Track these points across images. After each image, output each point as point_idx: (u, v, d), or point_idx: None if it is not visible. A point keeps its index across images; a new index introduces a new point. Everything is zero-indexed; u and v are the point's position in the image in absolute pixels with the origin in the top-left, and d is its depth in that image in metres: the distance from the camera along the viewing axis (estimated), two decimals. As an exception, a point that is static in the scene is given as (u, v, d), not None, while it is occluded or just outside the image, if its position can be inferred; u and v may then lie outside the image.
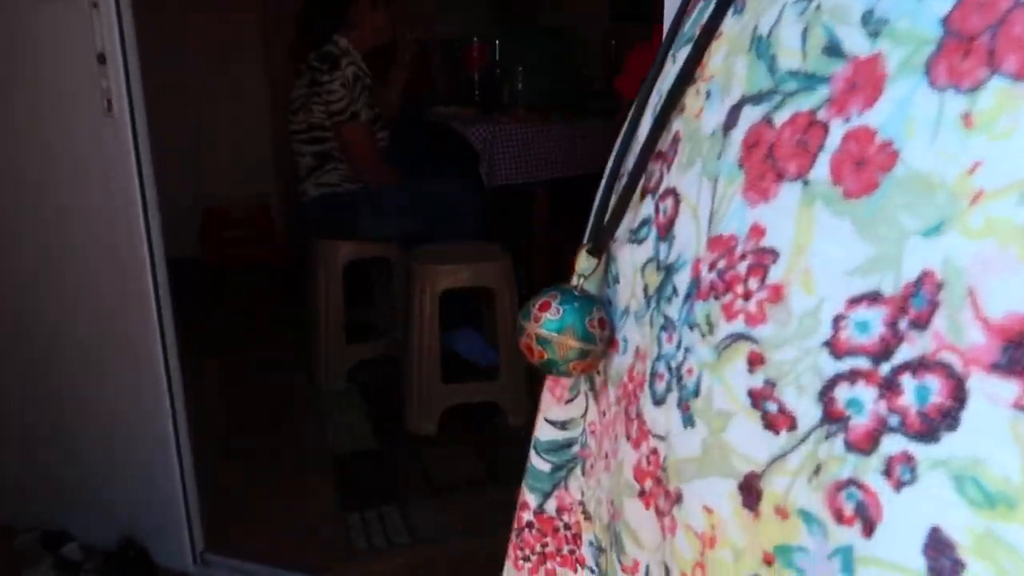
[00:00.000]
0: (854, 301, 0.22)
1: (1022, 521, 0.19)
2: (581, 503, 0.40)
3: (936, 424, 0.20)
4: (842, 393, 0.22)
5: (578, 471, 0.39)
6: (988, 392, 0.20)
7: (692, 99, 0.31)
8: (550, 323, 0.32)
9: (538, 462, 0.41)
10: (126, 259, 1.63)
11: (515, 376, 2.37)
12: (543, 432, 0.41)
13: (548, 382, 0.40)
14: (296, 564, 1.81)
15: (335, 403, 2.57)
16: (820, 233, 0.23)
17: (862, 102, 0.23)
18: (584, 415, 0.38)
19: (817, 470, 0.23)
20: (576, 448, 0.39)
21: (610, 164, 0.37)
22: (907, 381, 0.21)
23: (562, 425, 0.39)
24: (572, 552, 0.41)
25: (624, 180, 0.34)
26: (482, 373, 2.45)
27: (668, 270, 0.30)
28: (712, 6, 0.31)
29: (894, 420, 0.21)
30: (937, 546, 0.20)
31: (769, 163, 0.25)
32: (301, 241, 2.86)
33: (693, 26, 0.33)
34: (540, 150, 2.79)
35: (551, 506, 0.42)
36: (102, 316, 1.70)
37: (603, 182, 0.36)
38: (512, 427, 2.37)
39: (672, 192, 0.31)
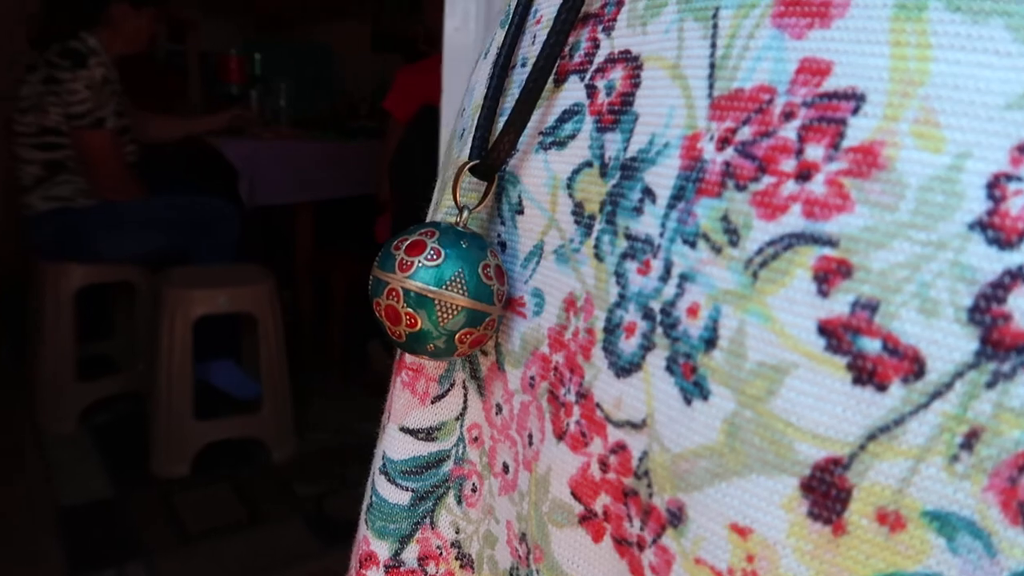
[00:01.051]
0: None
1: None
2: (456, 544, 0.28)
3: None
4: (1019, 303, 0.14)
5: (451, 499, 0.28)
6: None
7: None
8: (426, 272, 0.22)
9: (390, 492, 0.29)
10: None
11: (279, 408, 2.21)
12: (397, 448, 0.29)
13: (403, 374, 0.29)
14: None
15: (64, 449, 2.23)
16: (943, 49, 0.15)
17: None
18: (461, 416, 0.27)
19: (970, 441, 0.14)
20: (449, 466, 0.28)
21: (494, 52, 0.26)
22: None
23: (427, 434, 0.28)
24: None
25: (526, 67, 0.24)
26: (241, 406, 2.26)
27: (628, 168, 0.20)
28: None
29: None
30: None
31: None
32: (20, 262, 2.48)
33: None
34: (304, 169, 2.66)
35: (411, 555, 0.29)
36: None
37: (487, 77, 0.26)
38: (277, 464, 2.21)
39: (624, 57, 0.21)
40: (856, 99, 0.16)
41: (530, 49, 0.24)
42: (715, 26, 0.19)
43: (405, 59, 2.71)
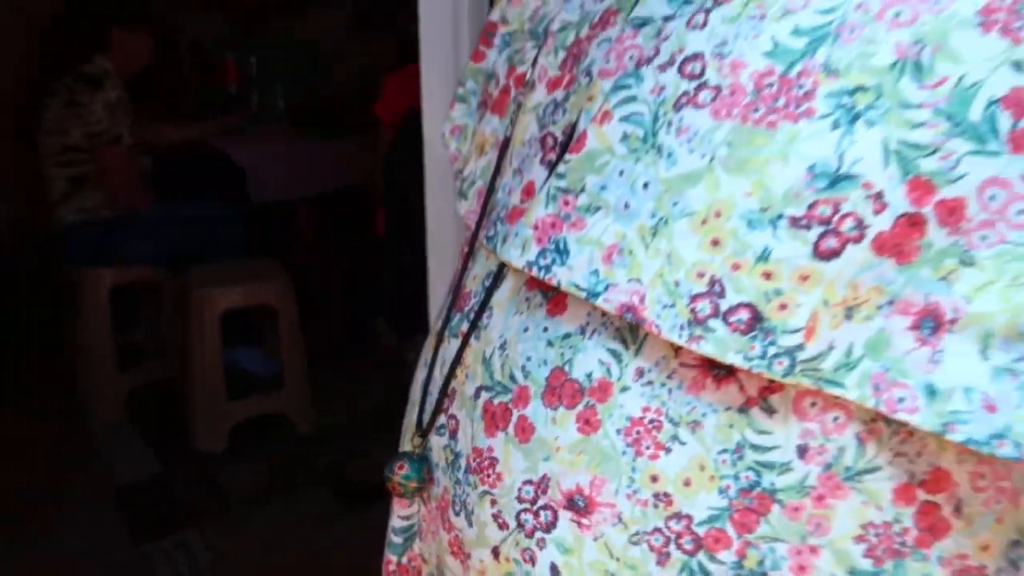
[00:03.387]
0: None
1: None
2: (420, 555, 0.54)
3: None
4: None
5: (417, 539, 0.54)
6: None
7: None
8: (405, 475, 0.49)
9: (394, 538, 0.55)
10: None
11: (299, 386, 2.48)
12: (396, 523, 0.54)
13: (396, 499, 0.56)
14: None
15: (113, 434, 2.51)
16: None
17: None
18: (418, 512, 0.54)
19: None
20: (415, 527, 0.54)
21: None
22: None
23: (407, 518, 0.54)
24: None
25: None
26: (266, 386, 2.53)
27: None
28: None
29: None
30: None
31: None
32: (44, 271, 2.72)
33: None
34: (305, 165, 2.88)
35: (405, 559, 0.55)
36: None
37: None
38: (300, 434, 2.49)
39: None
40: None
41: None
42: None
43: (398, 43, 2.81)
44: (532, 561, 0.40)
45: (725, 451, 0.35)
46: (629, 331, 0.37)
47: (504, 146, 0.46)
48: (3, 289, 3.18)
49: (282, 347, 2.45)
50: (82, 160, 2.41)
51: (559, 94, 0.42)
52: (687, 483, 0.35)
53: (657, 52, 0.35)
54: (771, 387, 0.34)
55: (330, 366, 2.75)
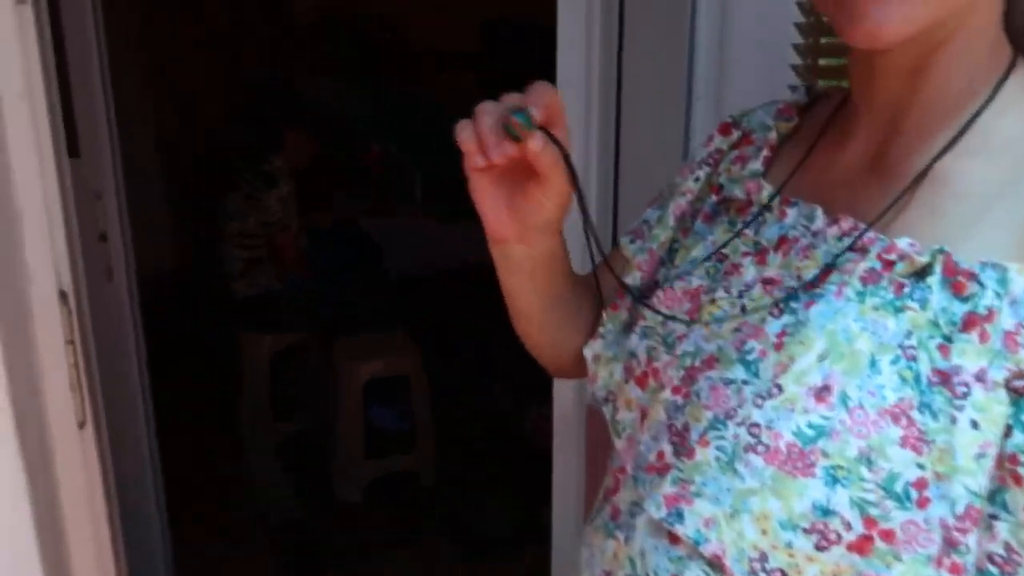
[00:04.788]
0: None
1: None
2: None
3: None
4: None
5: None
6: None
7: None
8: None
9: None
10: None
11: (427, 446, 2.82)
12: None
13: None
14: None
15: (263, 478, 2.91)
16: None
17: None
18: None
19: None
20: None
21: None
22: None
23: None
24: None
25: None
26: (398, 443, 2.88)
27: None
28: None
29: None
30: None
31: None
32: (224, 330, 3.17)
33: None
34: (436, 243, 3.25)
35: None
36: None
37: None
38: (426, 488, 2.82)
39: None
40: None
41: None
42: None
43: None
44: None
45: None
46: (713, 567, 0.63)
47: (643, 417, 0.72)
48: (185, 346, 3.69)
49: (413, 411, 2.80)
50: (257, 244, 2.84)
51: (679, 399, 0.67)
52: None
53: (736, 410, 0.61)
54: None
55: (453, 427, 3.08)
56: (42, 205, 0.77)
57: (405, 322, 3.05)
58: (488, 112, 0.59)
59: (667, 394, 0.65)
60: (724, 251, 0.68)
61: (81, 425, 0.75)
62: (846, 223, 0.60)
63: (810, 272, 0.60)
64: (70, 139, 1.39)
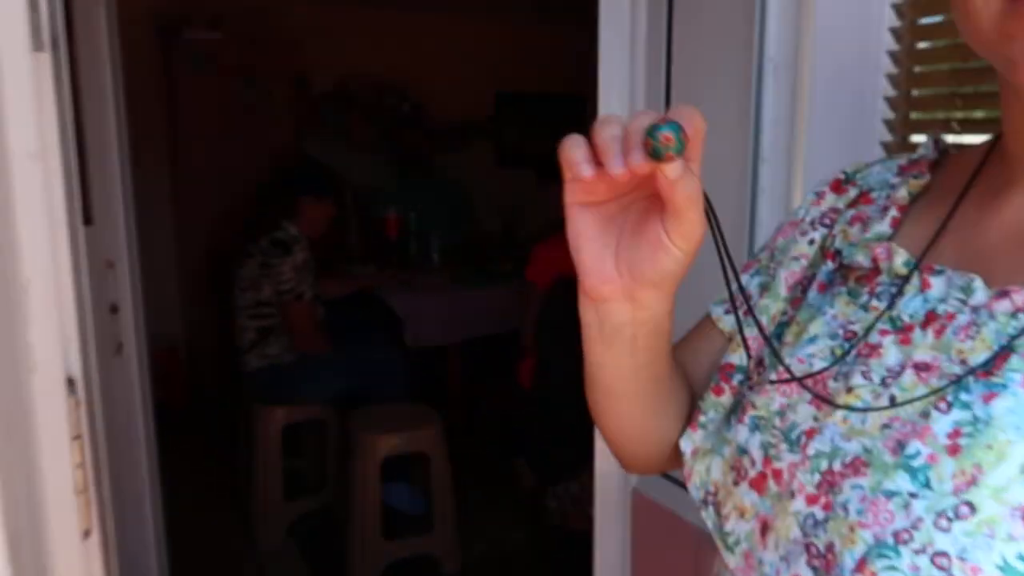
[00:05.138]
0: None
1: None
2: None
3: None
4: None
5: None
6: None
7: None
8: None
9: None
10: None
11: (447, 528, 2.66)
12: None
13: None
14: None
15: (276, 559, 2.75)
16: None
17: None
18: None
19: None
20: None
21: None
22: None
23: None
24: None
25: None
26: (416, 526, 2.72)
27: None
28: None
29: None
30: None
31: None
32: (233, 404, 3.05)
33: None
34: (456, 313, 3.15)
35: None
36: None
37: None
38: (446, 573, 2.64)
39: None
40: None
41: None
42: None
43: (537, 174, 3.12)
44: None
45: None
46: None
47: (763, 528, 0.59)
48: (194, 422, 3.56)
49: (432, 490, 2.65)
50: (271, 313, 2.75)
51: (818, 511, 0.52)
52: None
53: (911, 532, 0.48)
54: None
55: (474, 505, 2.92)
56: (52, 277, 0.67)
57: (424, 395, 2.93)
58: (613, 122, 0.47)
59: (799, 504, 0.53)
60: (853, 327, 0.57)
61: (86, 534, 0.64)
62: (1020, 296, 0.49)
63: (979, 356, 0.49)
64: (84, 205, 1.30)
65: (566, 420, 2.41)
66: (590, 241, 0.52)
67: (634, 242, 0.51)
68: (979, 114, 0.83)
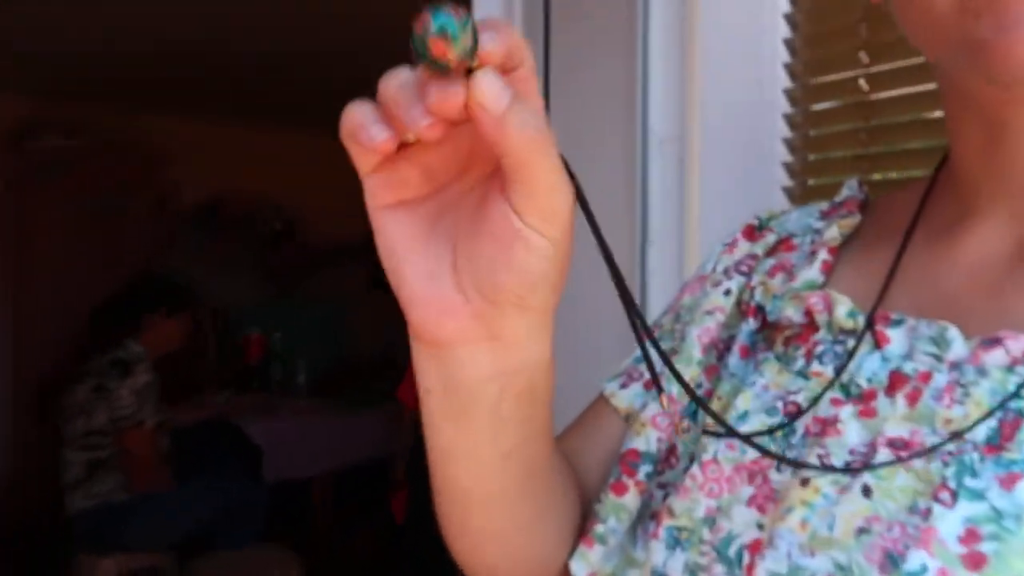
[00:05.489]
0: None
1: None
2: None
3: None
4: None
5: None
6: None
7: None
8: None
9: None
10: None
11: None
12: None
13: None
14: None
15: None
16: None
17: None
18: None
19: None
20: None
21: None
22: None
23: None
24: None
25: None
26: None
27: None
28: None
29: None
30: None
31: None
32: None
33: None
34: (322, 441, 2.87)
35: None
36: None
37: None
38: None
39: None
40: None
41: None
42: None
43: None
44: None
45: None
46: None
47: None
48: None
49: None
50: (103, 444, 2.39)
51: None
52: None
53: None
54: None
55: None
56: None
57: (285, 534, 2.59)
58: (403, 71, 0.30)
59: None
60: (794, 398, 0.43)
61: None
62: (1016, 343, 0.37)
63: (975, 424, 0.36)
64: None
65: (445, 560, 2.15)
66: (412, 254, 0.34)
67: (476, 243, 0.33)
68: (879, 176, 0.75)
